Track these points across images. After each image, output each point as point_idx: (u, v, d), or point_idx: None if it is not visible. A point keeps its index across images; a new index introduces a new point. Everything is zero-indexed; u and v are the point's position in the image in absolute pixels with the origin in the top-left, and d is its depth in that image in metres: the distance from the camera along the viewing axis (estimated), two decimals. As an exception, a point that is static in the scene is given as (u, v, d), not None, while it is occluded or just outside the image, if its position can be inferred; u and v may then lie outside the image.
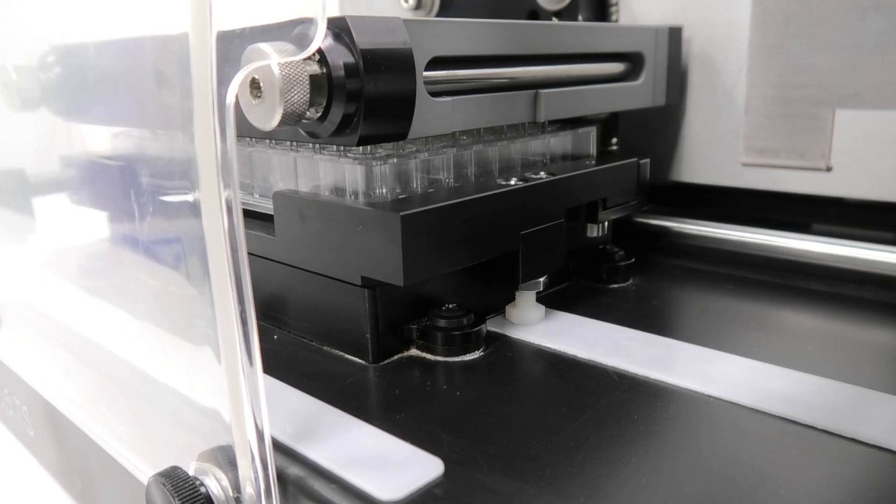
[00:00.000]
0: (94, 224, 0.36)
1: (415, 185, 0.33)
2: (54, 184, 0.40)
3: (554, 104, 0.37)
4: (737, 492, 0.22)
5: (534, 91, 0.36)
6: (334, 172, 0.33)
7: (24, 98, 0.37)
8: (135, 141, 0.37)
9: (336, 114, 0.27)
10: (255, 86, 0.26)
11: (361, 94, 0.27)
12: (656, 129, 0.49)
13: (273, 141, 0.38)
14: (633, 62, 0.43)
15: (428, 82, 0.31)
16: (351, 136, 0.28)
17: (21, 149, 0.42)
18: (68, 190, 0.39)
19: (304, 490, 0.24)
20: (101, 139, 0.38)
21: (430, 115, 0.31)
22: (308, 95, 0.26)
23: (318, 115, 0.27)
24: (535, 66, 0.37)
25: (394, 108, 0.29)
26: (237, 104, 0.21)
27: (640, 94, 0.43)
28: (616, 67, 0.42)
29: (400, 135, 0.30)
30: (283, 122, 0.26)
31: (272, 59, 0.24)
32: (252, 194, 0.37)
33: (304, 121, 0.27)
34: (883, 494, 0.22)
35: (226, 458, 0.24)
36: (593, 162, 0.42)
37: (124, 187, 0.30)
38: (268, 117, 0.26)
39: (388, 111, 0.29)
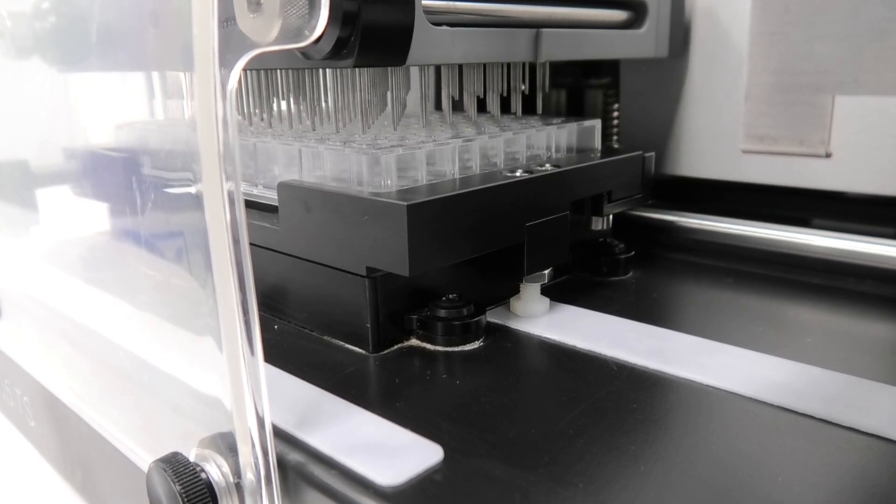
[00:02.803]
0: (96, 215, 0.36)
1: (420, 176, 0.34)
2: (57, 175, 0.40)
3: (555, 45, 0.37)
4: (734, 479, 0.23)
5: (535, 30, 0.36)
6: (339, 162, 0.33)
7: (18, 46, 0.36)
8: (137, 132, 0.37)
9: (331, 35, 0.27)
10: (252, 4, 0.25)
11: (358, 17, 0.27)
12: (657, 122, 0.49)
13: (277, 131, 0.39)
14: (637, 11, 0.43)
15: (428, 11, 0.31)
16: (347, 60, 0.28)
17: (24, 140, 0.42)
18: (71, 181, 0.39)
19: (304, 476, 0.24)
20: (104, 130, 0.38)
21: (430, 42, 0.31)
22: (307, 10, 0.26)
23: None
24: (538, 5, 0.37)
25: (391, 33, 0.29)
26: (238, 87, 0.21)
27: (643, 43, 0.43)
28: (619, 15, 0.42)
29: (397, 61, 0.30)
30: (281, 35, 0.25)
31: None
32: (256, 185, 0.38)
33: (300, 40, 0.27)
34: (880, 482, 0.22)
35: (226, 445, 0.24)
36: (598, 155, 0.42)
37: (126, 179, 0.30)
38: (265, 30, 0.25)
39: (385, 36, 0.29)
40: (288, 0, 0.24)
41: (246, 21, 0.25)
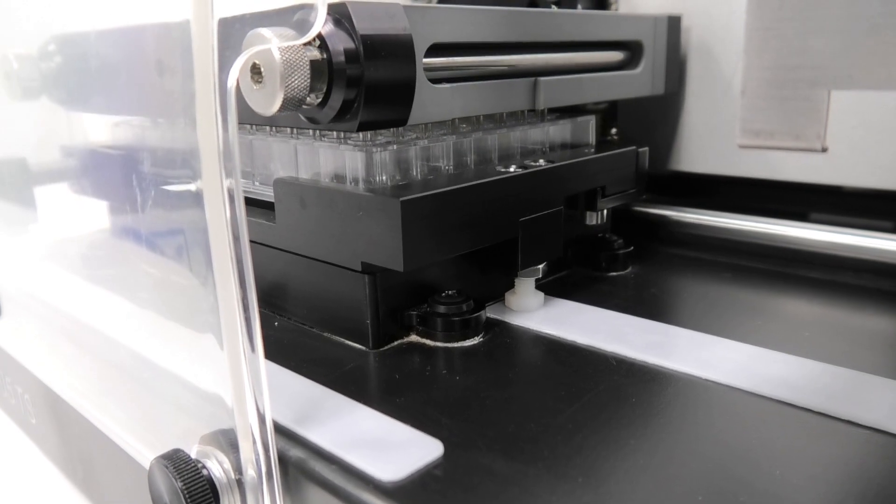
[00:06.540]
0: (95, 213, 0.36)
1: (414, 172, 0.34)
2: (56, 173, 0.40)
3: (553, 92, 0.38)
4: (733, 473, 0.23)
5: (533, 79, 0.37)
6: (334, 159, 0.33)
7: (24, 87, 0.37)
8: (136, 130, 0.37)
9: (336, 99, 0.28)
10: (255, 71, 0.26)
11: (361, 80, 0.27)
12: (655, 118, 0.49)
13: (274, 129, 0.39)
14: (633, 51, 0.44)
15: (428, 69, 0.31)
16: (351, 122, 0.29)
17: (23, 138, 0.42)
18: (70, 179, 0.39)
19: (305, 471, 0.24)
20: (103, 128, 0.38)
21: (430, 101, 0.31)
22: (308, 81, 0.26)
23: (319, 100, 0.28)
24: (535, 53, 0.37)
25: (394, 94, 0.29)
26: (238, 89, 0.21)
27: (639, 82, 0.44)
28: (615, 56, 0.43)
29: (400, 121, 0.31)
30: (283, 107, 0.26)
31: (273, 43, 0.24)
32: (253, 182, 0.38)
33: (304, 106, 0.27)
34: (878, 475, 0.23)
35: (228, 442, 0.25)
36: (592, 150, 0.42)
37: (126, 176, 0.30)
38: (268, 102, 0.26)
39: (387, 97, 0.29)
40: (288, 73, 0.25)
41: (251, 95, 0.26)
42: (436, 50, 0.31)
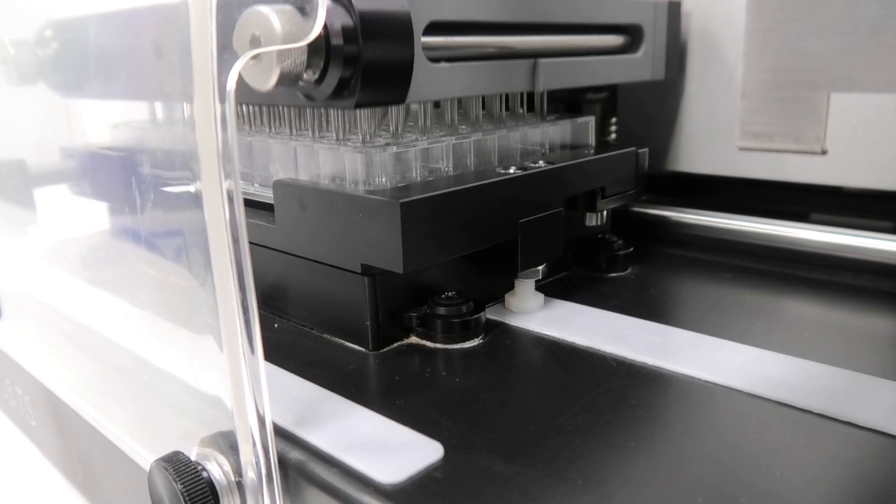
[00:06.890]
0: (95, 215, 0.36)
1: (414, 174, 0.34)
2: (55, 175, 0.40)
3: (553, 74, 0.37)
4: (733, 474, 0.23)
5: (532, 60, 0.36)
6: (334, 161, 0.33)
7: (21, 73, 0.37)
8: (135, 132, 0.37)
9: (333, 76, 0.27)
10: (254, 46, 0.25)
11: (359, 59, 0.27)
12: (654, 118, 0.49)
13: (273, 130, 0.39)
14: (633, 35, 0.43)
15: (426, 48, 0.31)
16: (348, 100, 0.28)
17: (21, 139, 0.42)
18: (69, 181, 0.39)
19: (304, 474, 0.24)
20: (102, 130, 0.38)
21: (428, 80, 0.31)
22: (305, 57, 0.26)
23: (316, 77, 0.27)
24: (535, 35, 0.37)
25: (391, 72, 0.29)
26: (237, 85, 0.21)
27: (640, 67, 0.43)
28: (615, 40, 0.42)
29: (397, 100, 0.30)
30: (279, 82, 0.26)
31: (272, 19, 0.24)
32: (252, 184, 0.38)
33: (300, 83, 0.27)
34: (878, 476, 0.23)
35: (227, 444, 0.25)
36: (592, 151, 0.42)
37: (125, 178, 0.30)
38: (265, 78, 0.25)
39: (385, 76, 0.29)
40: (286, 49, 0.25)
41: (247, 71, 0.25)
42: (435, 29, 0.31)
